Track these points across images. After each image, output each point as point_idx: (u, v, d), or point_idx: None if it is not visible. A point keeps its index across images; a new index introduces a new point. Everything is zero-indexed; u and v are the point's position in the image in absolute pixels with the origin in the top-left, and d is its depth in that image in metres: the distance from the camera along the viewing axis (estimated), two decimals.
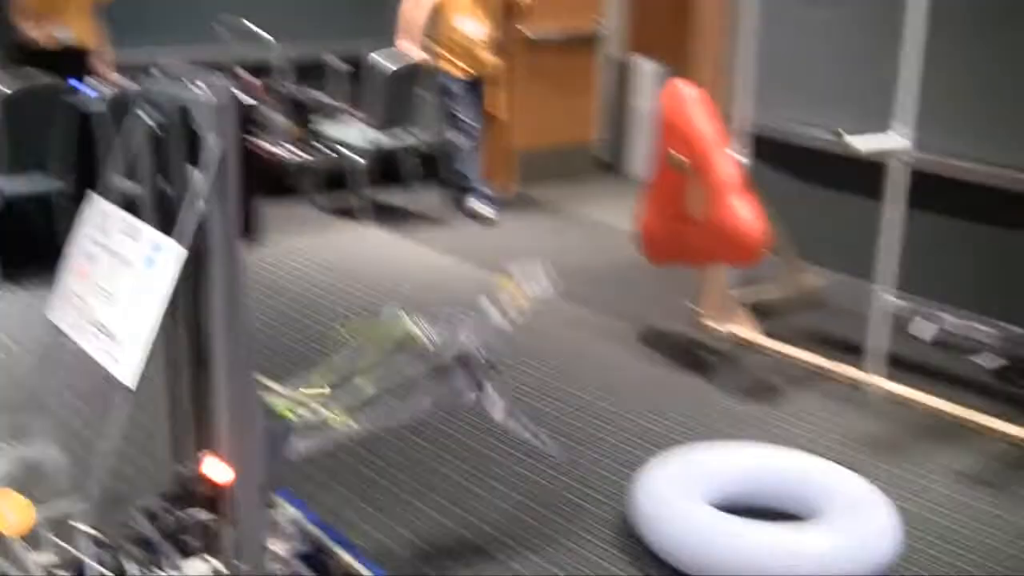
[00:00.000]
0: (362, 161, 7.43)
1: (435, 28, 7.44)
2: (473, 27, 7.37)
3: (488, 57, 7.53)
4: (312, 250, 6.79)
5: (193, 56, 6.77)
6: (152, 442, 3.05)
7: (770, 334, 5.48)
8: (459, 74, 7.44)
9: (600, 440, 4.41)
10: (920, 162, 4.80)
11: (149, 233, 2.54)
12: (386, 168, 7.95)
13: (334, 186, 7.74)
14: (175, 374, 2.80)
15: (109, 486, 2.66)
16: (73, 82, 6.14)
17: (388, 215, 7.61)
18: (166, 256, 2.46)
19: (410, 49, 7.30)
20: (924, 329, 5.18)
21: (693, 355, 5.36)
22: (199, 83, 2.44)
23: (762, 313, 5.77)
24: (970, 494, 4.07)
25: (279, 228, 7.05)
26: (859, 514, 3.51)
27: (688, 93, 5.18)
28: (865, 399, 4.88)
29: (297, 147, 7.71)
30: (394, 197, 7.94)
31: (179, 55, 6.45)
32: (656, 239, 5.35)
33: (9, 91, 5.77)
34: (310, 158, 7.66)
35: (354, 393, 3.00)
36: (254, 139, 7.55)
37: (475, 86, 7.55)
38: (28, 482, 2.75)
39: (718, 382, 5.05)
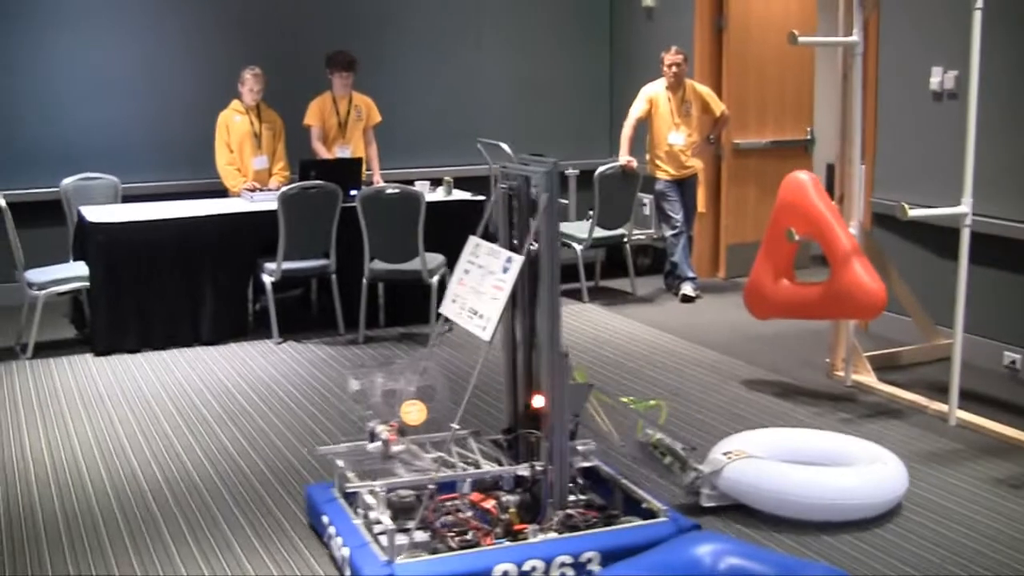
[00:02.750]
0: (579, 250, 8.84)
1: (650, 140, 8.85)
2: (676, 137, 8.72)
3: (691, 161, 8.83)
4: None
5: (453, 173, 8.59)
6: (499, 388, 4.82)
7: (891, 382, 6.46)
8: (667, 177, 8.79)
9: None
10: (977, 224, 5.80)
11: (504, 252, 4.35)
12: (611, 259, 9.41)
13: (566, 273, 9.18)
14: (514, 343, 4.61)
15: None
16: (351, 188, 7.87)
17: (608, 296, 8.98)
18: (514, 263, 4.24)
19: (622, 157, 8.70)
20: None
21: (813, 395, 6.41)
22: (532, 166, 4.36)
23: (897, 367, 6.78)
24: (1002, 495, 4.98)
25: None
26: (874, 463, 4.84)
27: (807, 180, 6.34)
28: (943, 426, 5.81)
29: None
30: (616, 283, 9.32)
31: (442, 172, 8.22)
32: (763, 297, 6.49)
33: (286, 190, 7.53)
34: None
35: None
36: None
37: (682, 186, 8.86)
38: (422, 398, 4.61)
39: (823, 413, 6.08)
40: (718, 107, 8.90)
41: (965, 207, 5.73)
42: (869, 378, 6.53)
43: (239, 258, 7.77)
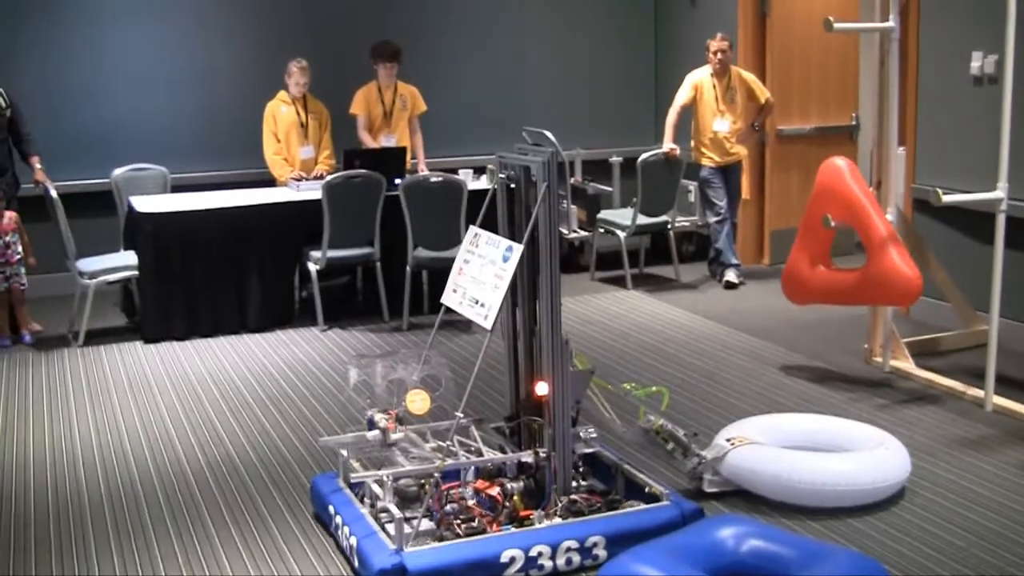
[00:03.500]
0: (622, 237, 8.88)
1: (694, 126, 8.88)
2: (721, 124, 8.74)
3: (736, 148, 8.85)
4: (576, 309, 8.27)
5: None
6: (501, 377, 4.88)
7: (928, 368, 6.46)
8: (711, 164, 8.82)
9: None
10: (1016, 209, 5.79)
11: (505, 241, 4.40)
12: (656, 246, 9.47)
13: (611, 261, 9.27)
14: (515, 332, 4.68)
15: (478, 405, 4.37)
16: (395, 177, 7.97)
17: (652, 283, 9.03)
18: (514, 252, 4.28)
19: (665, 144, 8.75)
20: None
21: (851, 381, 6.43)
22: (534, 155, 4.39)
23: (936, 353, 6.78)
24: None
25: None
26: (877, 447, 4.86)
27: (844, 166, 6.34)
28: (979, 412, 5.81)
29: (582, 228, 9.33)
30: (660, 270, 9.37)
31: (487, 161, 8.29)
32: (800, 282, 6.50)
33: (330, 180, 7.66)
34: (588, 235, 9.24)
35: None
36: None
37: (727, 173, 8.88)
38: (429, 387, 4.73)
39: (859, 399, 6.10)
40: (763, 94, 8.91)
41: (1000, 192, 5.72)
42: (907, 364, 6.53)
43: (286, 247, 7.91)
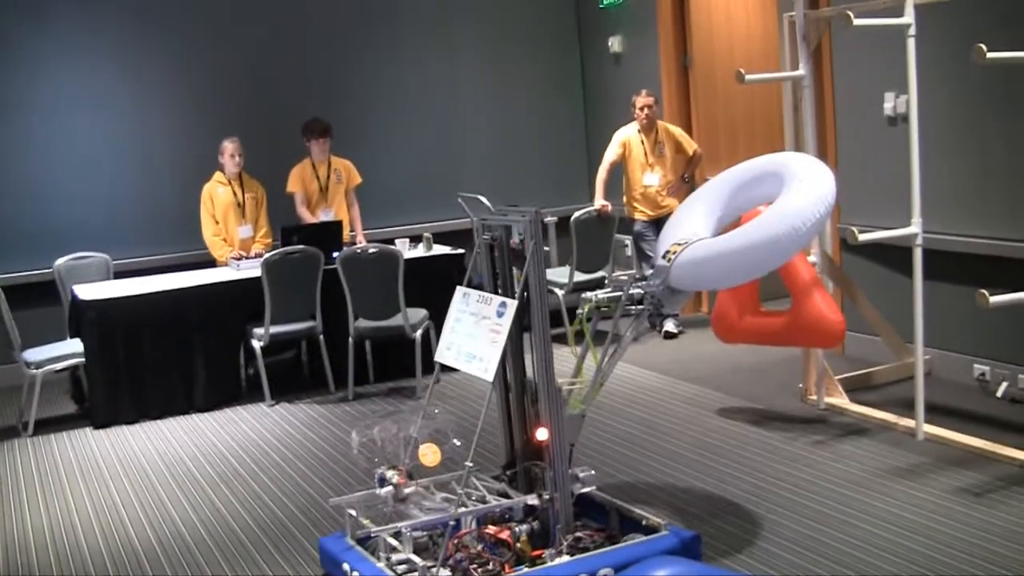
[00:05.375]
0: (560, 295, 9.00)
1: (625, 182, 9.08)
2: (651, 178, 8.95)
3: (667, 201, 9.04)
4: None
5: (435, 228, 8.82)
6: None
7: (862, 402, 6.64)
8: (644, 217, 9.01)
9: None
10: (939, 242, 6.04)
11: (496, 298, 4.68)
12: None
13: (551, 319, 9.35)
14: (506, 385, 4.97)
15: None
16: (333, 250, 8.10)
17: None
18: (509, 308, 4.57)
19: (597, 201, 8.94)
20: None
21: (787, 420, 6.58)
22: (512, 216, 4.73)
23: (870, 387, 6.96)
24: (962, 503, 5.14)
25: None
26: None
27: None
28: (911, 442, 5.97)
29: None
30: (600, 324, 9.48)
31: (425, 228, 8.41)
32: (728, 324, 6.66)
33: (268, 257, 7.78)
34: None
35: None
36: None
37: (660, 226, 9.05)
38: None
39: (796, 437, 6.25)
40: (690, 146, 9.13)
41: (915, 227, 5.92)
42: (842, 400, 6.70)
43: (229, 325, 8.01)
